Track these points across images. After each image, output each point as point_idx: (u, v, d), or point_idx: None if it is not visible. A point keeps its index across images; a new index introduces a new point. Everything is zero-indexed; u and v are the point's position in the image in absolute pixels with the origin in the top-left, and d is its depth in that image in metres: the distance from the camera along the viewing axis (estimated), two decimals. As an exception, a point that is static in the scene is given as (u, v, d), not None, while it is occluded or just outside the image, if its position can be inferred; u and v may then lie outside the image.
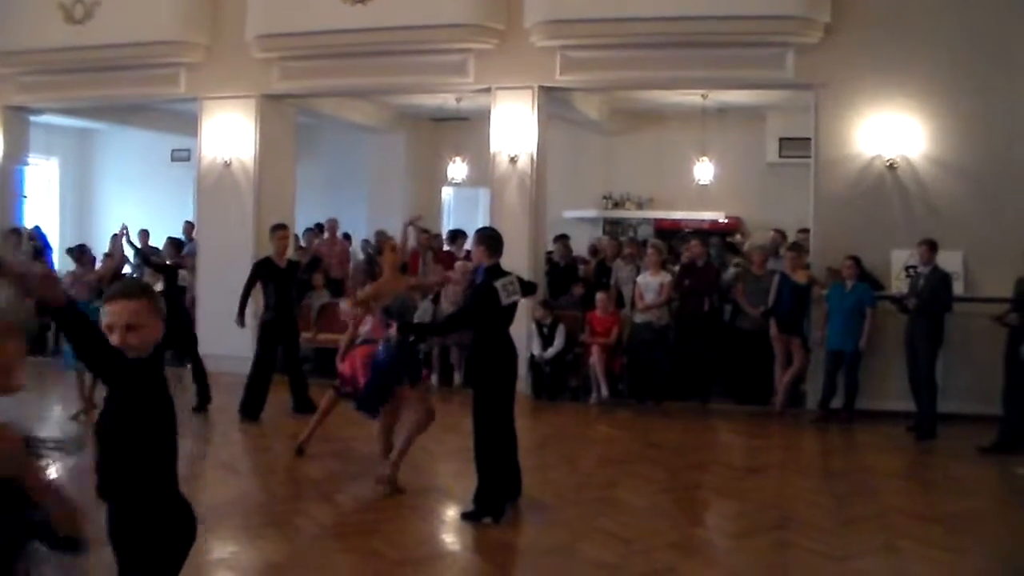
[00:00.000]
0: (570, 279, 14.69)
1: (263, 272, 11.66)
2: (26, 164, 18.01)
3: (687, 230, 17.34)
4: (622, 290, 13.93)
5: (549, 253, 14.96)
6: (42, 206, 20.96)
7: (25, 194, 18.53)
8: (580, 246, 16.96)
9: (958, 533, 7.50)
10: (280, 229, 11.82)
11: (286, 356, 11.81)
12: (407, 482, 8.50)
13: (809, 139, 13.14)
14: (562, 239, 15.45)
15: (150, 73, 15.21)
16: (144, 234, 18.01)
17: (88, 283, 12.70)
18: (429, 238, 16.20)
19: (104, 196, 22.10)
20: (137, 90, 15.59)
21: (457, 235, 16.53)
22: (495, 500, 7.66)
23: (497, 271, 7.74)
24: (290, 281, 11.70)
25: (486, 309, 7.64)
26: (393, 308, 8.48)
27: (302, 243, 16.42)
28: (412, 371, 8.51)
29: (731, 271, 13.96)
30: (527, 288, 8.21)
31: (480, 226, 9.07)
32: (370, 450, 9.17)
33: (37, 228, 18.54)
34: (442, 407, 11.76)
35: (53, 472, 3.01)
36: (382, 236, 15.40)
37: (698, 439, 11.30)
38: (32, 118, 17.21)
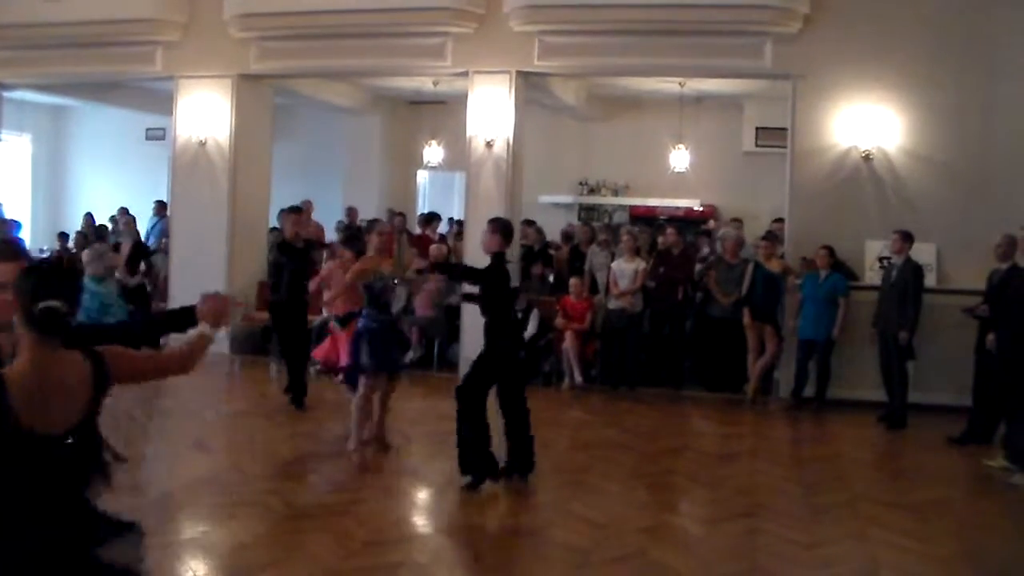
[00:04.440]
0: (544, 264, 14.69)
1: (283, 253, 11.21)
2: (-2, 140, 17.87)
3: (662, 217, 17.39)
4: (596, 276, 13.94)
5: (522, 239, 14.94)
6: (14, 183, 20.76)
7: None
8: (557, 232, 16.97)
9: (927, 521, 7.58)
10: (296, 212, 11.56)
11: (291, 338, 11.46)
12: (381, 464, 8.54)
13: (786, 129, 13.18)
14: (531, 224, 15.42)
15: (126, 51, 15.06)
16: (123, 212, 17.99)
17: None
18: (403, 221, 16.16)
19: (77, 174, 21.91)
20: (112, 68, 15.43)
21: (431, 218, 16.49)
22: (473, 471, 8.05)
23: (503, 258, 8.24)
24: (305, 262, 11.34)
25: (500, 285, 8.15)
26: (376, 287, 8.70)
27: (275, 224, 16.34)
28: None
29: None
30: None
31: (495, 216, 9.44)
32: (342, 431, 9.17)
33: None
34: (417, 391, 11.78)
35: None
36: (352, 213, 15.42)
37: (670, 426, 11.33)
38: (5, 94, 16.97)
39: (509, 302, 8.46)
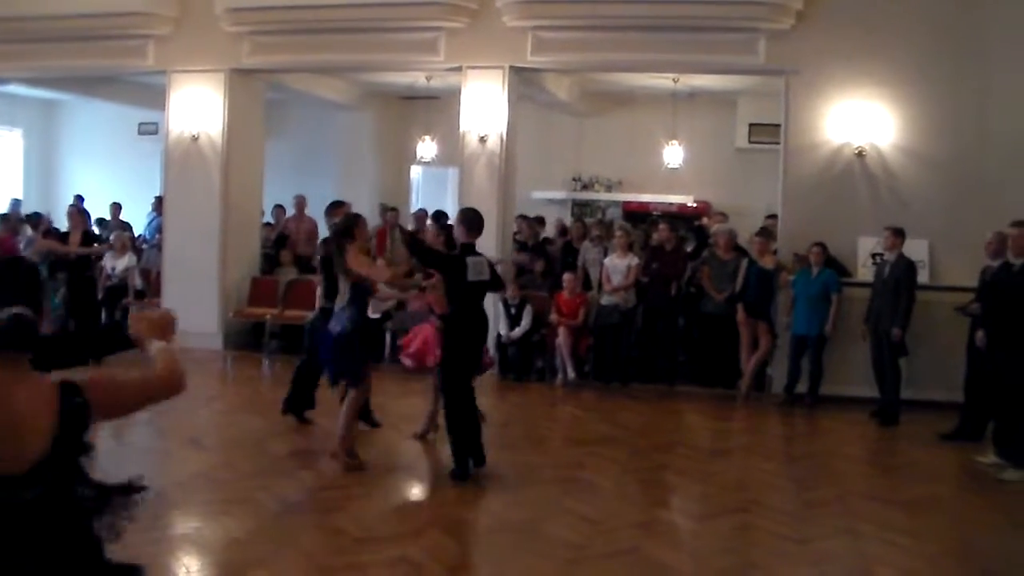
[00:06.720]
0: (543, 259, 14.67)
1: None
2: (-11, 134, 17.83)
3: (655, 213, 17.39)
4: (589, 272, 13.95)
5: (516, 234, 14.98)
6: (5, 177, 20.69)
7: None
8: (550, 228, 16.97)
9: (918, 517, 7.60)
10: (338, 207, 10.52)
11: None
12: (371, 461, 8.53)
13: (779, 125, 13.18)
14: (526, 219, 15.46)
15: (118, 44, 14.97)
16: (116, 207, 17.95)
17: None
18: (396, 216, 16.14)
19: (69, 168, 21.80)
20: (104, 61, 15.32)
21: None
22: (461, 464, 8.13)
23: (471, 250, 8.23)
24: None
25: (450, 272, 8.09)
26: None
27: (269, 220, 16.32)
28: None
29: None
30: (495, 281, 8.61)
31: (464, 207, 9.44)
32: (334, 427, 9.14)
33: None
34: (414, 387, 11.76)
35: None
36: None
37: (663, 421, 11.33)
38: (-4, 88, 17.00)
39: (468, 297, 8.16)
